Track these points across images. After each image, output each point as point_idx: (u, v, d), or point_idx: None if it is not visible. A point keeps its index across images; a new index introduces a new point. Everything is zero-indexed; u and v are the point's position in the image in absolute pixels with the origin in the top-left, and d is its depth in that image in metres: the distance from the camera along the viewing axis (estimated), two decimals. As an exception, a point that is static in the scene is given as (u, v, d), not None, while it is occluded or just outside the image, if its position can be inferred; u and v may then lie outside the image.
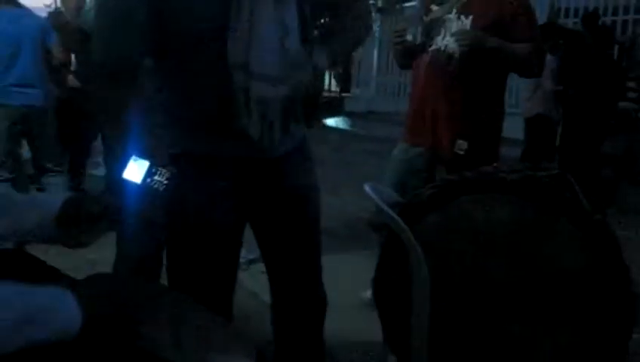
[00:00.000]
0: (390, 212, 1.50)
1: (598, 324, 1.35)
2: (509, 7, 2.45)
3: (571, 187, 1.42)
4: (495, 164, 1.49)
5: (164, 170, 1.54)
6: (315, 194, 1.97)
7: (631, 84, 7.33)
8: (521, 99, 7.00)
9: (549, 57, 6.30)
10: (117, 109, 1.79)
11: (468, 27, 2.49)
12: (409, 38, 2.61)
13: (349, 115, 12.32)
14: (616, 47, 8.79)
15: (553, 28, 6.76)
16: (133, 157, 1.53)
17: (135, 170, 1.52)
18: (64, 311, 0.98)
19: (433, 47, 2.57)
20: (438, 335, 1.46)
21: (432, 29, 2.58)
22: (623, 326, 1.36)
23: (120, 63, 1.69)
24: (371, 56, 13.01)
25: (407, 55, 2.70)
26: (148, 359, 0.99)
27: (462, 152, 2.50)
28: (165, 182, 1.53)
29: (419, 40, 2.61)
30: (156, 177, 1.53)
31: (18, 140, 4.31)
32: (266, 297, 2.04)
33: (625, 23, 9.38)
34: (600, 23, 7.81)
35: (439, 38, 2.55)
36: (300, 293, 1.97)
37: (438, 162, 2.58)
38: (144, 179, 1.52)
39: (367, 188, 1.69)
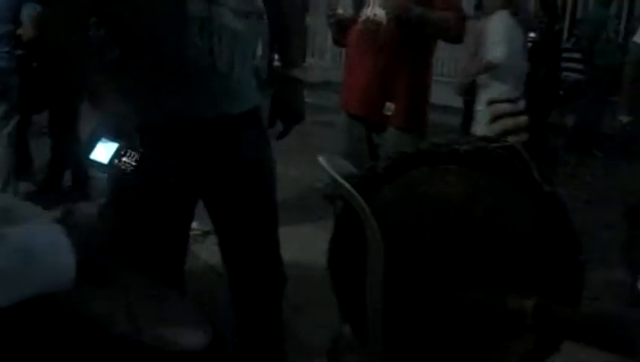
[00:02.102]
0: (345, 184, 1.50)
1: (548, 292, 1.38)
2: None
3: (522, 158, 1.44)
4: (449, 135, 1.50)
5: (132, 152, 1.51)
6: (269, 166, 1.96)
7: (576, 55, 7.48)
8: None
9: None
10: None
11: None
12: (340, 11, 2.79)
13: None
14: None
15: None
16: (102, 138, 1.50)
17: (103, 152, 1.49)
18: (62, 254, 0.94)
19: (362, 17, 2.76)
20: (393, 305, 1.48)
21: (361, 2, 2.78)
22: (572, 293, 1.40)
23: (62, 40, 1.65)
24: (326, 26, 12.95)
25: (341, 29, 2.85)
26: (102, 334, 0.97)
27: (389, 113, 2.71)
28: (134, 163, 1.51)
29: (349, 13, 2.78)
30: (124, 159, 1.50)
31: None
32: (223, 270, 2.04)
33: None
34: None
35: (368, 9, 2.75)
36: (254, 268, 1.96)
37: (371, 127, 2.73)
38: (111, 161, 1.49)
39: (320, 159, 1.69)
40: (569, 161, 6.68)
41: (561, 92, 7.60)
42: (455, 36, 2.82)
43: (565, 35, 9.02)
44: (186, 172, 1.78)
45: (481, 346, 1.43)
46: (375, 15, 2.69)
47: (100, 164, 1.48)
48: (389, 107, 2.68)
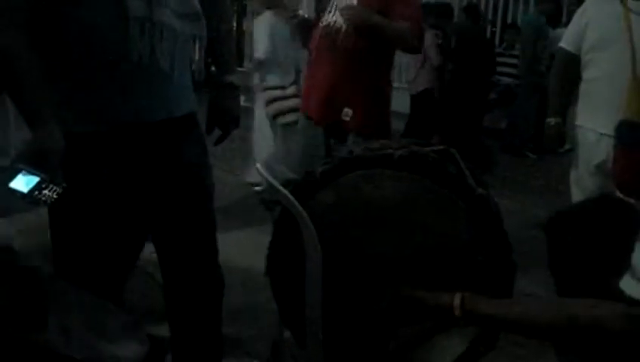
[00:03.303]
0: (282, 189, 1.50)
1: (481, 291, 1.42)
2: None
3: (456, 162, 1.47)
4: (382, 141, 1.52)
5: (54, 186, 1.47)
6: (207, 171, 1.94)
7: (509, 60, 7.70)
8: (408, 76, 7.29)
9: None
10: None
11: (354, 3, 2.70)
12: (301, 12, 2.77)
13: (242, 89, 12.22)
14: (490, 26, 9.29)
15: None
16: (24, 171, 1.44)
17: (23, 182, 1.44)
18: None
19: (323, 23, 2.76)
20: (332, 309, 1.49)
21: (322, 6, 2.82)
22: (504, 291, 1.44)
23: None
24: (263, 30, 12.93)
25: (303, 30, 2.84)
26: (35, 350, 0.95)
27: (347, 118, 2.72)
28: (54, 197, 1.46)
29: (309, 15, 2.79)
30: (45, 191, 1.45)
31: None
32: (161, 277, 2.01)
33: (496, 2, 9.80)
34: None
35: (329, 14, 2.74)
36: (192, 275, 1.94)
37: (329, 133, 2.74)
38: (31, 192, 1.44)
39: (258, 165, 1.69)
40: (502, 162, 6.85)
41: (495, 95, 7.81)
42: (412, 46, 2.86)
43: (497, 40, 9.26)
44: (128, 180, 1.74)
45: (415, 342, 1.46)
46: (335, 22, 2.70)
47: (20, 193, 1.44)
48: (347, 112, 2.70)
